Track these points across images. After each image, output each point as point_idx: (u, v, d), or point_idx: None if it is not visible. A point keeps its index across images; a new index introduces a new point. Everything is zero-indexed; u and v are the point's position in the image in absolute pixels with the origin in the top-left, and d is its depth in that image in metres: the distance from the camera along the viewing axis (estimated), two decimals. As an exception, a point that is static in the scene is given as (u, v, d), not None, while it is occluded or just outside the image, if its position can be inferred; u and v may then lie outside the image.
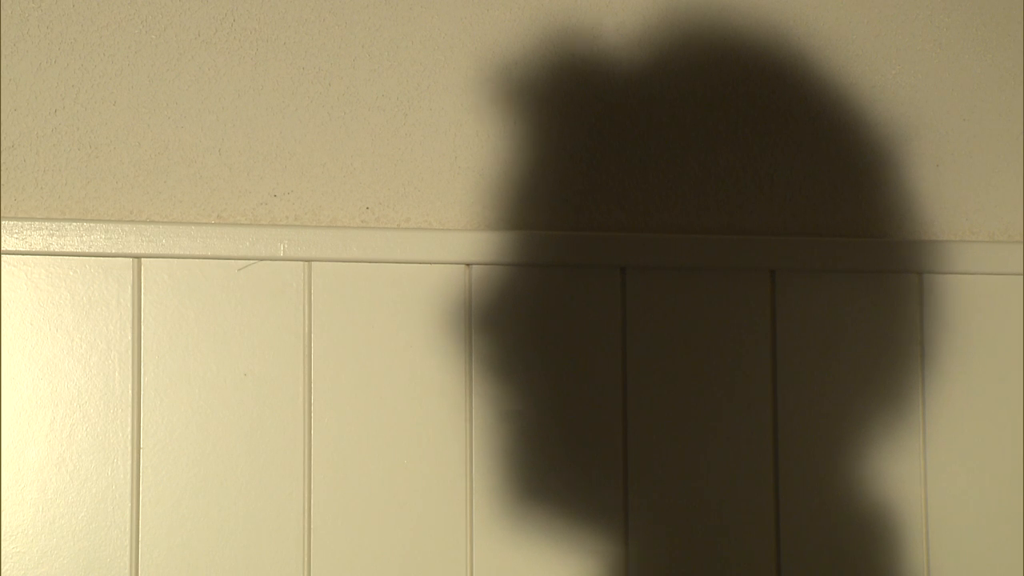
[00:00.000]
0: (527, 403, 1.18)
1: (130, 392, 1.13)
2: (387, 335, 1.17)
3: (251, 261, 1.16)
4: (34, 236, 1.12)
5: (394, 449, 1.17)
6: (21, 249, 1.12)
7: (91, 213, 1.15)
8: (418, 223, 1.19)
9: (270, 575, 1.14)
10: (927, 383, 1.25)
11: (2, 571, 1.11)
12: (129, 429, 1.13)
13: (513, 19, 1.22)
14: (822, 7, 1.26)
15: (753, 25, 1.25)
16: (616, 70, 1.23)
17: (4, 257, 1.12)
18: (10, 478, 1.12)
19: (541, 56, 1.22)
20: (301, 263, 1.16)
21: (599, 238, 1.21)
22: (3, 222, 1.12)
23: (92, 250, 1.13)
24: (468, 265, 1.18)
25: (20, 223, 1.12)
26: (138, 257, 1.14)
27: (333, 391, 1.16)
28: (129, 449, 1.13)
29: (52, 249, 1.13)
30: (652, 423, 1.20)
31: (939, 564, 1.23)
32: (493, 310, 1.18)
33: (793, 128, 1.25)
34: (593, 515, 1.19)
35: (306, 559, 1.15)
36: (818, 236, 1.25)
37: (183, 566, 1.13)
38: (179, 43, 1.17)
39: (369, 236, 1.17)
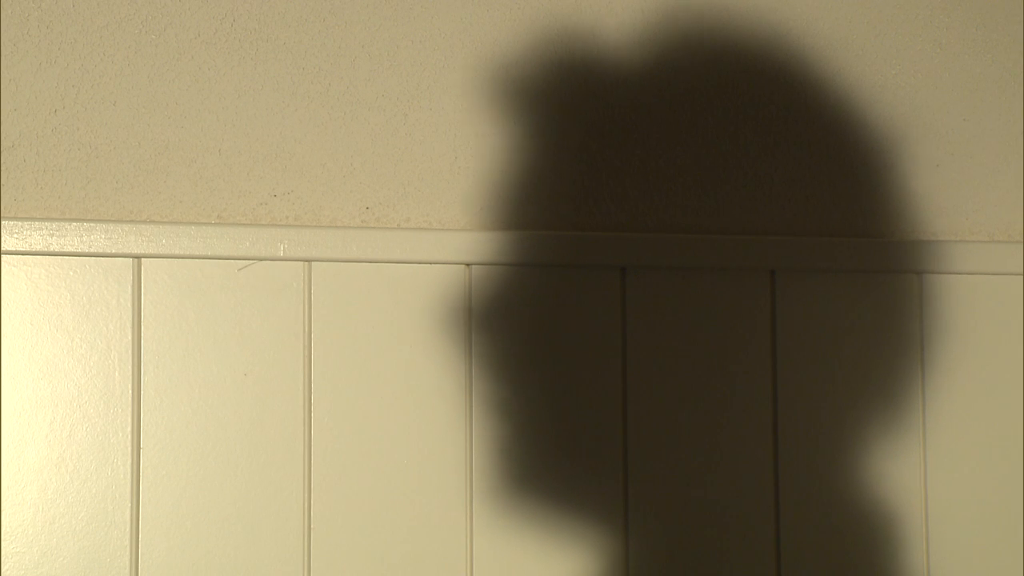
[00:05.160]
0: (527, 403, 1.18)
1: (130, 392, 1.13)
2: (387, 335, 1.17)
3: (251, 261, 1.16)
4: (34, 236, 1.12)
5: (394, 449, 1.17)
6: (21, 249, 1.12)
7: (91, 213, 1.15)
8: (418, 223, 1.19)
9: (270, 575, 1.14)
10: (927, 383, 1.25)
11: (2, 571, 1.11)
12: (129, 429, 1.13)
13: (513, 19, 1.22)
14: (822, 7, 1.26)
15: (753, 25, 1.25)
16: (616, 69, 1.23)
17: (4, 257, 1.12)
18: (10, 478, 1.12)
19: (541, 55, 1.22)
20: (301, 263, 1.16)
21: (599, 238, 1.21)
22: (3, 222, 1.12)
23: (92, 250, 1.13)
24: (468, 265, 1.18)
25: (20, 223, 1.12)
26: (138, 257, 1.14)
27: (333, 391, 1.16)
28: (129, 449, 1.13)
29: (52, 249, 1.13)
30: (652, 423, 1.20)
31: (939, 564, 1.23)
32: (493, 310, 1.18)
33: (793, 128, 1.25)
34: (594, 514, 1.19)
35: (306, 559, 1.15)
36: (818, 236, 1.25)
37: (183, 566, 1.13)
38: (179, 43, 1.17)
39: (369, 236, 1.17)
